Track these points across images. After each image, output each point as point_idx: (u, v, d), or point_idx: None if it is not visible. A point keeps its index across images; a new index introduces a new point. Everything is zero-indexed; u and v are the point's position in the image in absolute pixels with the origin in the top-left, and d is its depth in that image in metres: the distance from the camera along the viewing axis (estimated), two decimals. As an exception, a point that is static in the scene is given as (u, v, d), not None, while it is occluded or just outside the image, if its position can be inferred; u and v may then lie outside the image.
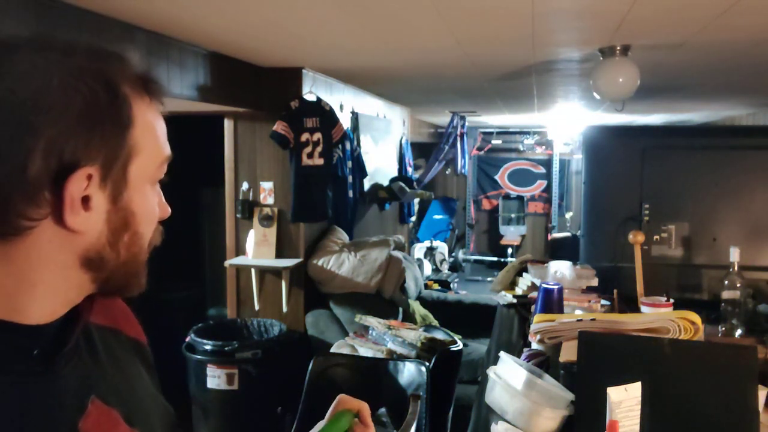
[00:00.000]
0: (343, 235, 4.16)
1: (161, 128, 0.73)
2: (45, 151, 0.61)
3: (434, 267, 7.95)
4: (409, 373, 2.58)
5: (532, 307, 2.25)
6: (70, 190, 0.63)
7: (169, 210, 0.77)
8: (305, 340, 3.78)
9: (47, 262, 0.65)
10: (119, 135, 0.66)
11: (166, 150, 0.74)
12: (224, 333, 3.52)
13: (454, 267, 8.69)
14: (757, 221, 2.62)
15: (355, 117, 4.63)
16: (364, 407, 0.95)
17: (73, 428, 0.65)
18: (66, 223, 0.64)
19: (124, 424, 0.72)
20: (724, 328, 2.14)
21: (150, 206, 0.72)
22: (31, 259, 0.64)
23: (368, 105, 5.15)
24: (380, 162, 5.37)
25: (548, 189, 10.03)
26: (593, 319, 1.66)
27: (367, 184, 4.83)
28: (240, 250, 3.91)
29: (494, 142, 10.03)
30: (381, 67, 3.73)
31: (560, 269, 2.59)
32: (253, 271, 3.83)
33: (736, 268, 2.14)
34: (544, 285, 2.12)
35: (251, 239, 3.81)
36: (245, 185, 3.87)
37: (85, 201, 0.64)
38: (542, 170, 10.06)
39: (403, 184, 5.38)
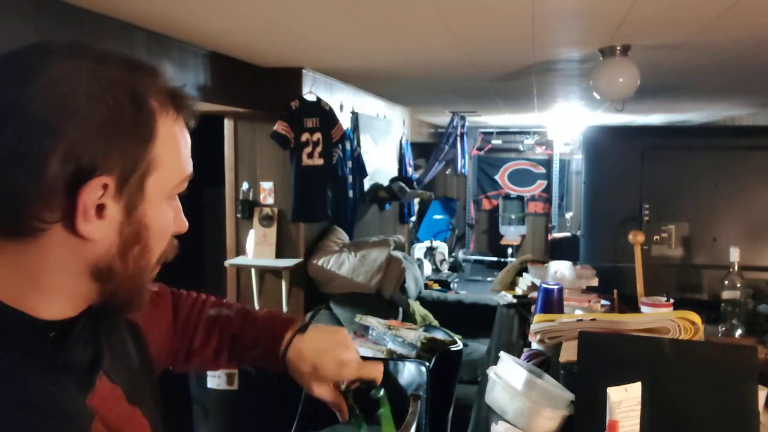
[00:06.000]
0: (343, 235, 4.16)
1: (185, 145, 0.74)
2: (63, 156, 0.62)
3: (434, 267, 7.94)
4: (409, 373, 2.56)
5: (532, 307, 2.25)
6: (84, 197, 0.64)
7: (187, 225, 0.77)
8: (305, 340, 3.77)
9: (58, 266, 0.66)
10: (140, 147, 0.67)
11: (188, 168, 0.74)
12: (224, 333, 3.51)
13: (454, 267, 8.68)
14: (757, 221, 2.62)
15: (355, 117, 4.63)
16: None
17: (82, 402, 0.67)
18: (78, 229, 0.65)
19: (126, 402, 0.74)
20: (724, 328, 2.14)
21: (164, 221, 0.73)
22: (42, 261, 0.66)
23: (368, 105, 5.14)
24: (380, 162, 5.36)
25: (548, 189, 10.03)
26: (593, 319, 1.66)
27: (367, 184, 4.83)
28: (240, 250, 3.91)
29: (494, 142, 10.03)
30: (381, 67, 3.73)
31: (560, 269, 2.59)
32: (253, 271, 3.83)
33: (736, 268, 2.13)
34: (544, 285, 2.12)
35: (251, 239, 3.81)
36: (245, 185, 3.87)
37: (99, 210, 0.65)
38: (542, 170, 10.06)
39: (403, 184, 5.38)
